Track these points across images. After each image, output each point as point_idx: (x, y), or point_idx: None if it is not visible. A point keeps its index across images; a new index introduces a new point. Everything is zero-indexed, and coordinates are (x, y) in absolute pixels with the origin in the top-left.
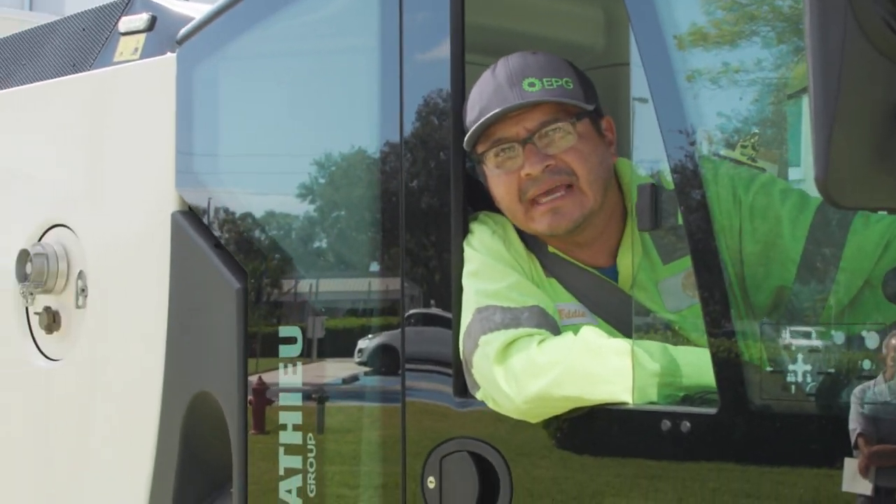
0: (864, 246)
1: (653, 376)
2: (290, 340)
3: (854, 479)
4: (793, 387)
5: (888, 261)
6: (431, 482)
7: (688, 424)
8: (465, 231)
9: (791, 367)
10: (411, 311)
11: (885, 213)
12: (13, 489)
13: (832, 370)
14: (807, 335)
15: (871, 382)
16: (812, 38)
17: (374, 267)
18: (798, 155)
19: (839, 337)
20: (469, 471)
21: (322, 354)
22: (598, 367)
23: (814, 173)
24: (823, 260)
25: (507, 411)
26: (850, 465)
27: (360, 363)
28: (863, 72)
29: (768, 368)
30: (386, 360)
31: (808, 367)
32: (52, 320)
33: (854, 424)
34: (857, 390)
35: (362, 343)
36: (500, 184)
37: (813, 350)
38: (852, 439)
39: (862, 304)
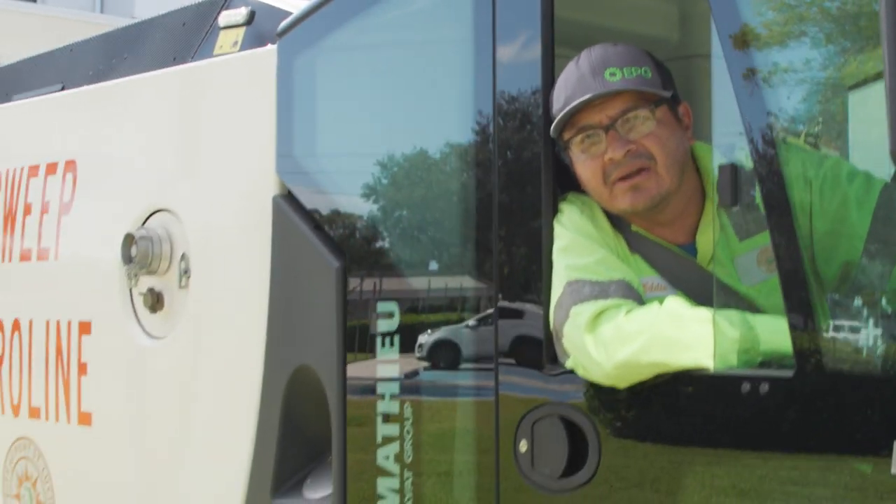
0: None
1: (733, 343)
2: (388, 315)
3: None
4: (863, 351)
5: None
6: (523, 446)
7: (766, 387)
8: (555, 211)
9: (860, 334)
10: (504, 285)
11: None
12: (117, 462)
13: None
14: (873, 304)
15: None
16: (886, 23)
17: (469, 244)
18: (859, 142)
19: None
20: (559, 435)
21: (418, 328)
22: (682, 334)
23: (888, 146)
24: (888, 235)
25: (597, 377)
26: None
27: (455, 336)
28: None
29: (838, 335)
30: (480, 333)
31: (878, 333)
32: (155, 300)
33: None
34: None
35: (456, 316)
36: (585, 168)
37: (880, 317)
38: None
39: None
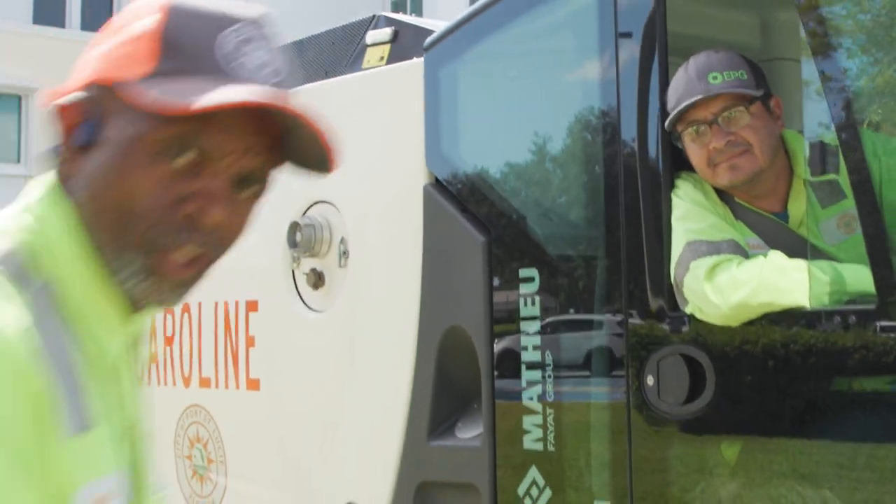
0: None
1: (824, 286)
2: (529, 280)
3: None
4: None
5: None
6: (650, 380)
7: (853, 318)
8: (672, 186)
9: None
10: (630, 249)
11: None
12: (284, 421)
13: None
14: None
15: None
16: None
17: (599, 219)
18: None
19: None
20: (681, 370)
21: (555, 289)
22: (784, 280)
23: None
24: None
25: (714, 319)
26: None
27: (587, 292)
28: None
29: None
30: (610, 290)
31: None
32: (317, 279)
33: None
34: None
35: (588, 278)
36: (694, 154)
37: None
38: None
39: None
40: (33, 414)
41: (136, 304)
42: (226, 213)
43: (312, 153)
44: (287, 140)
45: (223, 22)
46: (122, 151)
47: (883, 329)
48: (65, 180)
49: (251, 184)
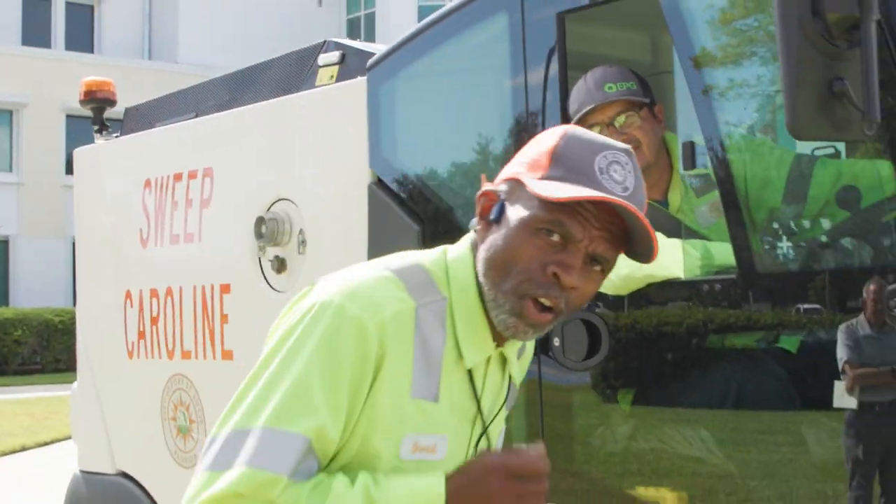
0: (823, 179)
1: (696, 260)
2: None
3: (842, 397)
4: (780, 257)
5: (838, 186)
6: (556, 341)
7: (718, 286)
8: None
9: (780, 246)
10: None
11: (834, 157)
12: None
13: (802, 247)
14: (791, 232)
15: (854, 320)
16: (780, 44)
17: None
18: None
19: (809, 231)
20: (581, 333)
21: None
22: (663, 256)
23: (785, 121)
24: (799, 190)
25: (608, 289)
26: (839, 386)
27: None
28: (807, 62)
29: (761, 249)
30: None
31: (788, 244)
32: (280, 265)
33: (841, 354)
34: (842, 326)
35: None
36: None
37: (791, 237)
38: (840, 366)
39: (825, 215)
40: (368, 363)
41: (497, 336)
42: (580, 279)
43: (643, 246)
44: (630, 238)
45: (603, 148)
46: (516, 226)
47: (741, 295)
48: (478, 242)
49: (599, 263)
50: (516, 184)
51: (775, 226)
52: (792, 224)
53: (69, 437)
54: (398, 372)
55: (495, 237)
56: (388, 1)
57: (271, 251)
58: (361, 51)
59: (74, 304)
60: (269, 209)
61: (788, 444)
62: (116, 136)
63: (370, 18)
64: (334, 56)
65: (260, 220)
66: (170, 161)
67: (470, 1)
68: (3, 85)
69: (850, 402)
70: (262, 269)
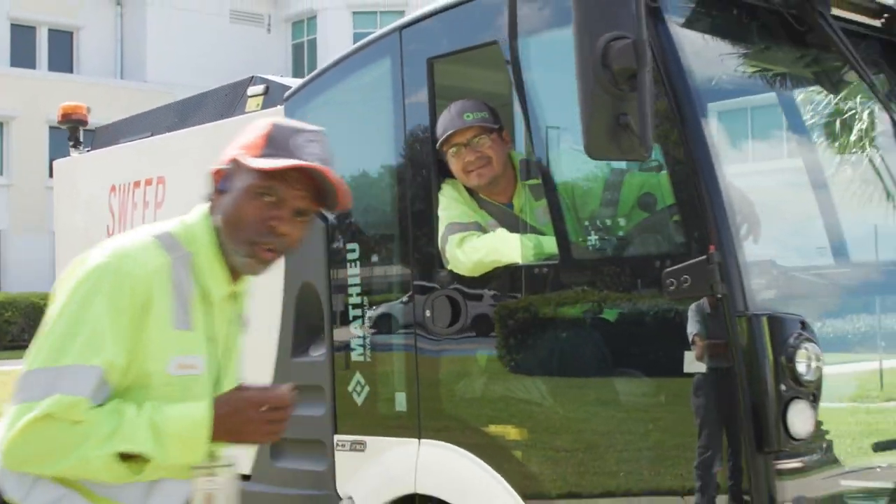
0: (631, 186)
1: (531, 249)
2: (353, 251)
3: (691, 363)
4: (594, 247)
5: (641, 193)
6: (427, 312)
7: (546, 269)
8: (440, 188)
9: (593, 239)
10: (415, 225)
11: (637, 170)
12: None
13: (612, 239)
14: (604, 228)
15: (702, 300)
16: (579, 87)
17: (396, 209)
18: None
19: (619, 227)
20: (446, 305)
21: (370, 256)
22: (505, 247)
23: (583, 145)
24: (612, 196)
25: (464, 272)
26: (689, 355)
27: (390, 258)
28: (600, 101)
29: (582, 246)
30: (403, 254)
31: (600, 237)
32: None
33: (690, 328)
34: (692, 306)
35: (389, 247)
36: (454, 165)
37: (604, 232)
38: (690, 339)
39: (629, 217)
40: (140, 306)
41: (233, 276)
42: (290, 228)
43: (332, 200)
44: (323, 193)
45: (302, 131)
46: (240, 193)
47: (562, 275)
48: (212, 208)
49: (303, 215)
50: (237, 163)
51: (592, 223)
52: (607, 222)
53: None
54: (162, 310)
55: (226, 203)
56: (326, 29)
57: None
58: (281, 84)
59: None
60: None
61: (596, 385)
62: (88, 150)
63: (312, 43)
64: (260, 88)
65: None
66: (131, 171)
67: (362, 48)
68: None
69: (700, 367)
70: None
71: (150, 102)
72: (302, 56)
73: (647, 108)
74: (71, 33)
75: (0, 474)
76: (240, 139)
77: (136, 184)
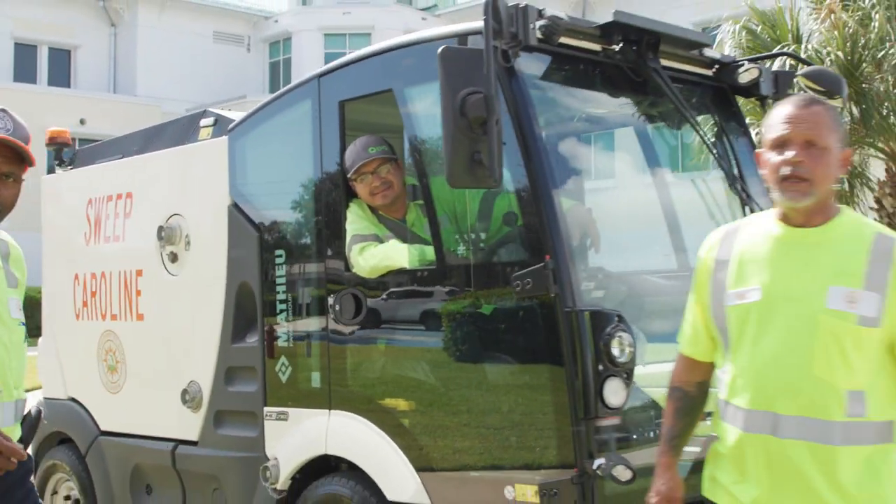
0: (500, 206)
1: (417, 256)
2: (280, 256)
3: (533, 349)
4: (465, 254)
5: (506, 212)
6: (337, 307)
7: (426, 273)
8: (348, 206)
9: (464, 248)
10: (328, 238)
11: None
12: (156, 338)
13: (482, 248)
14: (476, 240)
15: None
16: (444, 131)
17: (315, 222)
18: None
19: (487, 240)
20: (350, 301)
21: (294, 261)
22: (396, 254)
23: (445, 176)
24: (486, 211)
25: (364, 274)
26: (530, 343)
27: (310, 262)
28: (459, 142)
29: (455, 250)
30: (319, 259)
31: (471, 247)
32: (174, 257)
33: (532, 322)
34: (535, 303)
35: (310, 253)
36: (361, 190)
37: (476, 243)
38: (532, 331)
39: (495, 231)
40: None
41: None
42: (4, 193)
43: (27, 158)
44: (21, 156)
45: None
46: None
47: (440, 278)
48: None
49: (9, 178)
50: None
51: (466, 236)
52: (478, 235)
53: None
54: None
55: None
56: (301, 49)
57: (168, 248)
58: (226, 118)
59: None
60: (167, 220)
61: (475, 368)
62: (70, 168)
63: (287, 62)
64: (210, 120)
65: (160, 228)
66: (105, 187)
67: (289, 90)
68: None
69: (540, 353)
70: (162, 260)
71: (140, 115)
72: (278, 73)
73: (494, 148)
74: (69, 51)
75: None
76: None
77: (109, 197)
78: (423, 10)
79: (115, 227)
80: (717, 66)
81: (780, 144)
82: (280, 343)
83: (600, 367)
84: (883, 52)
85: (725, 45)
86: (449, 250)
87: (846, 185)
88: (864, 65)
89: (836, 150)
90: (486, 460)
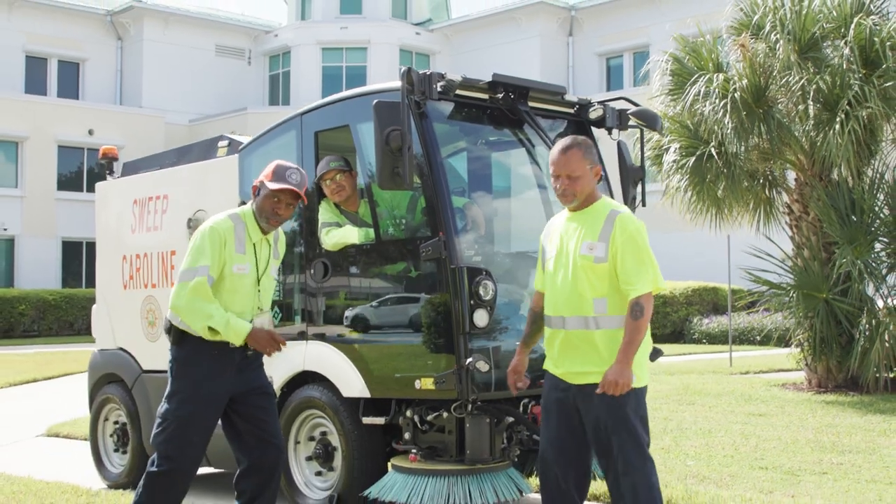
0: (420, 203)
1: (363, 235)
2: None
3: (431, 290)
4: (395, 233)
5: (423, 206)
6: (313, 271)
7: (368, 247)
8: (320, 202)
9: (396, 230)
10: (307, 232)
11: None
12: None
13: (408, 229)
14: (403, 226)
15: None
16: (376, 154)
17: (307, 213)
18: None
19: (412, 224)
20: (321, 265)
21: (291, 244)
22: (350, 233)
23: (377, 181)
24: (412, 206)
25: (329, 248)
26: (431, 287)
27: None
28: (386, 160)
29: (388, 230)
30: (307, 247)
31: (400, 229)
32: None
33: (432, 276)
34: (416, 263)
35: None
36: (327, 191)
37: (404, 226)
38: (431, 280)
39: (415, 219)
40: (223, 239)
41: (263, 230)
42: (285, 213)
43: (302, 198)
44: (299, 195)
45: (288, 167)
46: (265, 196)
47: (378, 250)
48: (253, 201)
49: (289, 206)
50: (262, 183)
51: (397, 222)
52: (403, 221)
53: (56, 377)
54: (230, 244)
55: (259, 200)
56: (299, 62)
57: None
58: (238, 141)
59: (63, 286)
60: (194, 214)
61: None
62: (118, 177)
63: (286, 74)
64: (226, 142)
65: (189, 219)
66: (146, 190)
67: (281, 124)
68: (11, 123)
69: (435, 293)
70: (189, 237)
71: (145, 125)
72: (278, 85)
73: (407, 165)
74: (78, 64)
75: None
76: (264, 171)
77: (150, 198)
78: (417, 24)
79: (155, 220)
80: (576, 107)
81: (553, 176)
82: (275, 295)
83: (472, 302)
84: (785, 79)
85: (654, 74)
86: (385, 231)
87: (765, 191)
88: (772, 88)
89: (588, 171)
90: (407, 368)
